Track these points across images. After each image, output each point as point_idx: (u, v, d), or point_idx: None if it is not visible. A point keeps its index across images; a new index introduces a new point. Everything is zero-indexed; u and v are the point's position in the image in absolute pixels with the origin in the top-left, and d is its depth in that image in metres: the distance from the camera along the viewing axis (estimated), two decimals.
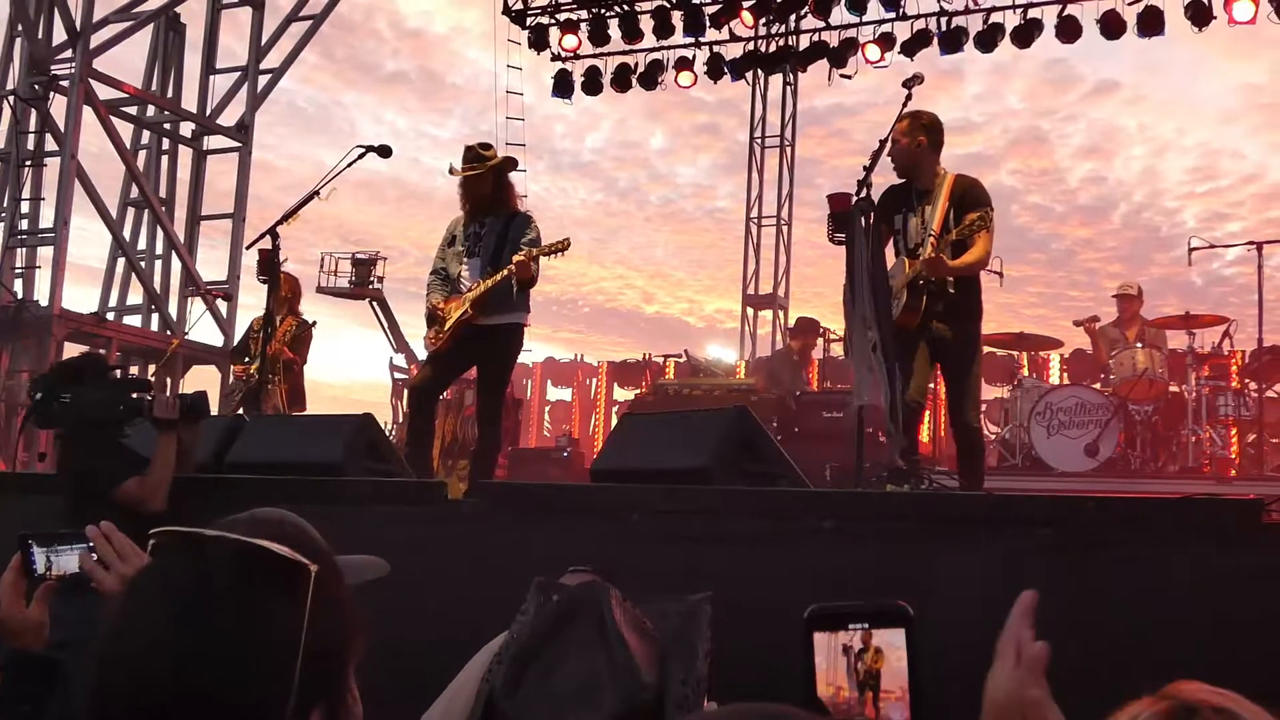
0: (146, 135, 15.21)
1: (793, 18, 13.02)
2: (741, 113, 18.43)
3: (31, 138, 13.83)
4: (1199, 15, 10.26)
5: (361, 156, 6.52)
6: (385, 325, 18.63)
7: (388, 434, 8.62)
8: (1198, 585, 3.10)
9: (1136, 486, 8.33)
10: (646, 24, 12.35)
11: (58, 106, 13.36)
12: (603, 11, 12.55)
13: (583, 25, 12.72)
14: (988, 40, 11.26)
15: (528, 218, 6.33)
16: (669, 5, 12.20)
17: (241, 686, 1.16)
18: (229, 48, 15.81)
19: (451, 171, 6.42)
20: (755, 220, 17.77)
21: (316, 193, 6.52)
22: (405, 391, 12.35)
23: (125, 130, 14.44)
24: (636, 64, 12.73)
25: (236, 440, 5.28)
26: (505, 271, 6.03)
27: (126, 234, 14.88)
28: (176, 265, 14.89)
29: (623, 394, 15.50)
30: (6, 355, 12.94)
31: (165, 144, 15.36)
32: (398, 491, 4.70)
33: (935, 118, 5.94)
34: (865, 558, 3.51)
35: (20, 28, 13.78)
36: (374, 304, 18.72)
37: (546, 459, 12.80)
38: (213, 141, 15.37)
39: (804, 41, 12.82)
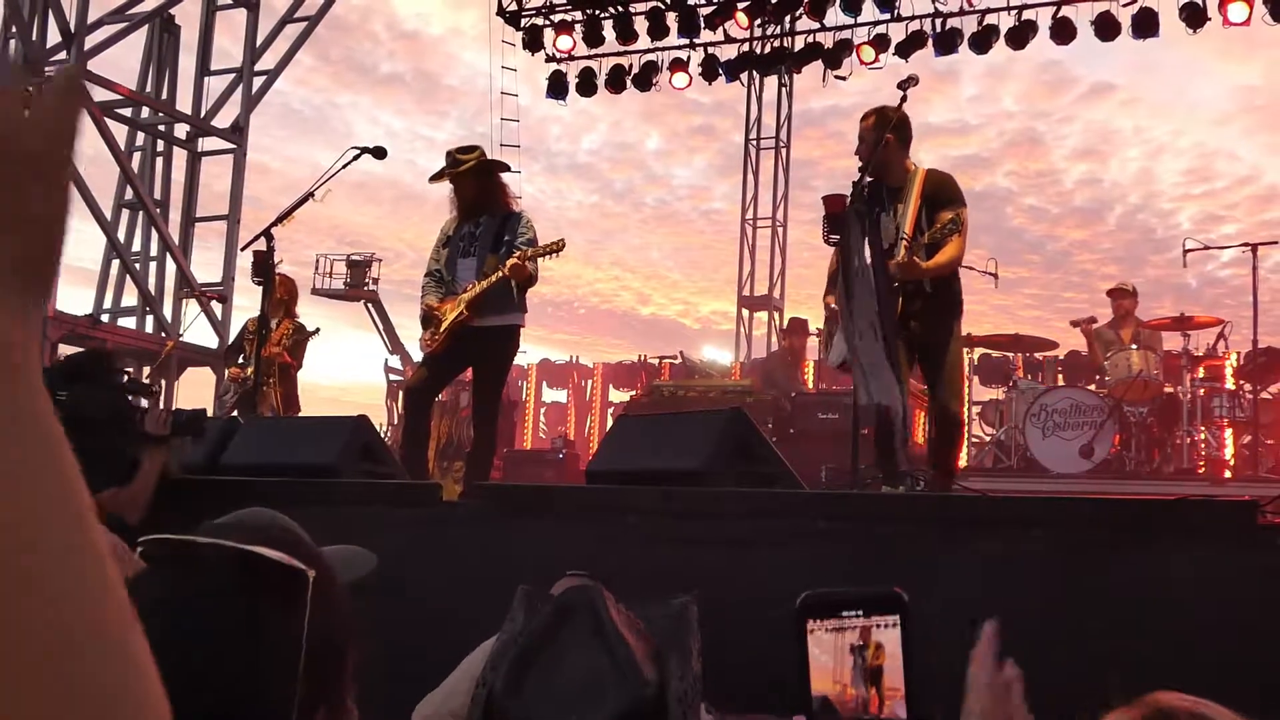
0: (141, 137, 15.18)
1: (787, 19, 13.02)
2: (737, 114, 18.49)
3: None
4: (1193, 17, 10.27)
5: (356, 158, 6.52)
6: (380, 327, 18.63)
7: (383, 436, 8.60)
8: (1193, 587, 3.10)
9: (1131, 488, 8.33)
10: (641, 25, 12.33)
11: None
12: (597, 13, 12.54)
13: (577, 26, 12.71)
14: (982, 42, 11.26)
15: (522, 217, 6.32)
16: (663, 6, 12.20)
17: (244, 696, 1.15)
18: (224, 49, 15.80)
19: (431, 179, 6.44)
20: (750, 222, 17.79)
21: (311, 194, 6.52)
22: (400, 393, 12.35)
23: (120, 132, 14.42)
24: (631, 65, 12.72)
25: (231, 442, 5.27)
26: (501, 273, 6.03)
27: (121, 236, 14.85)
28: (171, 267, 14.86)
29: (618, 395, 15.53)
30: None
31: (160, 146, 15.33)
32: (393, 493, 4.69)
33: (903, 114, 5.76)
34: (861, 559, 3.51)
35: (14, 29, 13.75)
36: (369, 305, 18.73)
37: (542, 461, 12.80)
38: (207, 143, 15.35)
39: (799, 43, 12.83)
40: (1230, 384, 9.58)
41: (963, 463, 10.60)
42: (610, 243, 37.62)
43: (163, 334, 14.29)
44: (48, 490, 0.61)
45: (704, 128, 35.20)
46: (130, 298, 15.00)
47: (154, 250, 15.06)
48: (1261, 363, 9.34)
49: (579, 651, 1.55)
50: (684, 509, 3.84)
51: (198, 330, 14.43)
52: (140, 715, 0.61)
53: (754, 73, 14.60)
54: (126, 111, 14.77)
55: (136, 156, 15.01)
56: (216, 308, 14.44)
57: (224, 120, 15.16)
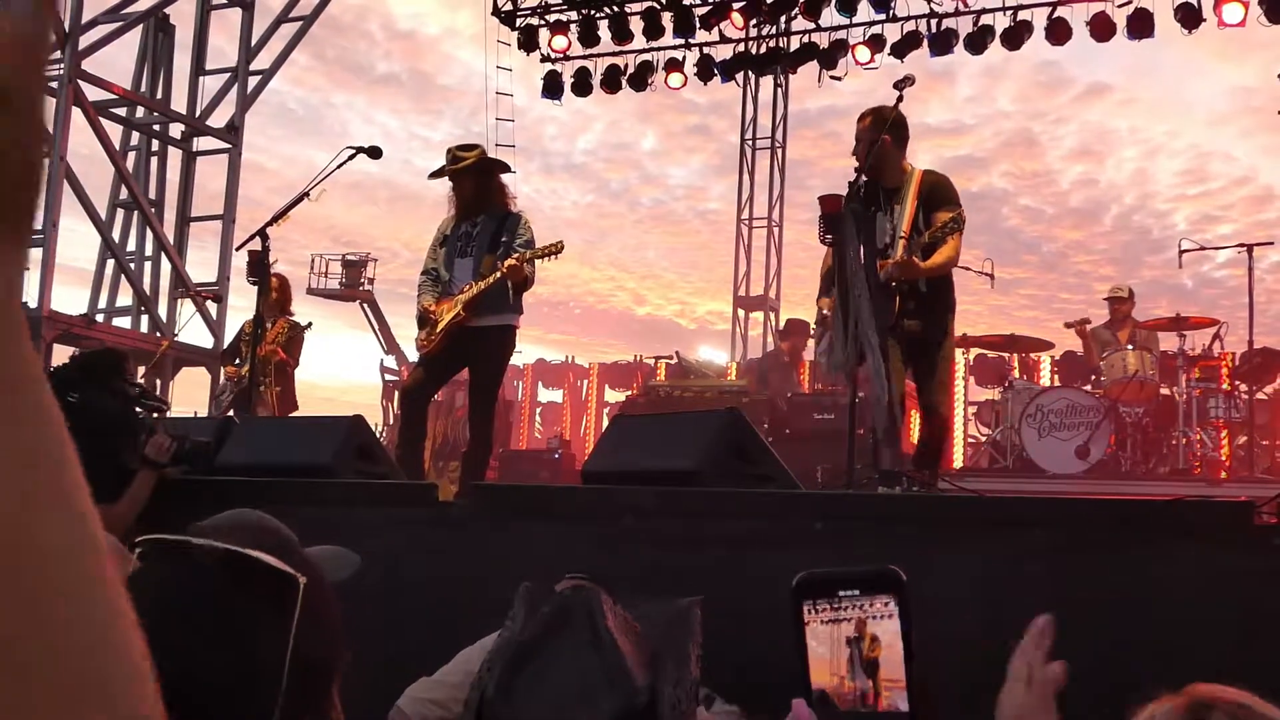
0: (136, 136, 15.15)
1: (783, 19, 13.02)
2: (733, 114, 18.48)
3: None
4: (1189, 17, 10.28)
5: (352, 158, 6.51)
6: (376, 327, 18.62)
7: (378, 436, 8.60)
8: (1190, 587, 3.10)
9: (1127, 488, 8.34)
10: (636, 25, 12.33)
11: (46, 107, 13.31)
12: (592, 13, 12.53)
13: (573, 26, 12.70)
14: (978, 42, 11.27)
15: (520, 218, 6.31)
16: (659, 6, 12.19)
17: (228, 697, 1.15)
18: (219, 49, 15.75)
19: (431, 176, 6.44)
20: (746, 222, 17.79)
21: (307, 194, 6.51)
22: (396, 393, 12.34)
23: (114, 131, 14.38)
24: (626, 65, 12.72)
25: (226, 442, 5.26)
26: (498, 274, 6.02)
27: (116, 235, 14.82)
28: (166, 267, 14.83)
29: (614, 396, 15.51)
30: None
31: (155, 145, 15.29)
32: (389, 493, 4.68)
33: (899, 114, 5.77)
34: (857, 560, 3.50)
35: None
36: (365, 305, 18.71)
37: (537, 461, 12.79)
38: (202, 143, 15.31)
39: (794, 43, 12.82)
40: (1226, 385, 9.59)
41: (958, 463, 10.64)
42: (606, 243, 37.62)
43: (158, 334, 14.25)
44: (43, 471, 0.59)
45: (700, 128, 35.23)
46: (125, 297, 14.97)
47: (149, 250, 15.02)
48: (1257, 363, 9.35)
49: (572, 657, 1.55)
50: (680, 509, 3.83)
51: (193, 330, 14.39)
52: (136, 711, 0.60)
53: (749, 73, 14.60)
54: (121, 111, 14.73)
55: (131, 156, 14.97)
56: (212, 307, 14.41)
57: (219, 120, 15.12)
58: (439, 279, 6.35)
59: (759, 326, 17.88)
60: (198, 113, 15.14)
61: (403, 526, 4.23)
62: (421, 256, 6.58)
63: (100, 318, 14.53)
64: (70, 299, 14.82)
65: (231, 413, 8.18)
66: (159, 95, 15.13)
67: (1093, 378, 9.98)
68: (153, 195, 15.07)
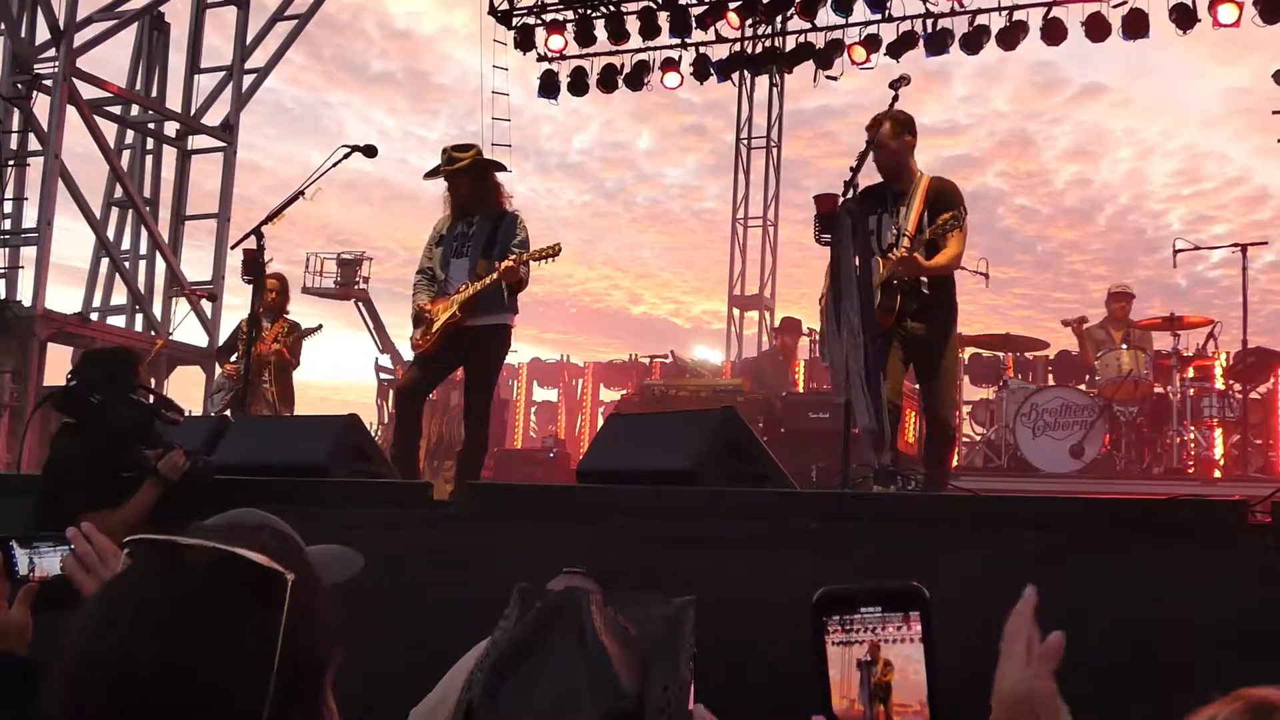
0: (130, 135, 15.15)
1: (779, 19, 13.03)
2: (728, 114, 18.47)
3: (15, 137, 13.76)
4: (1183, 18, 10.30)
5: (347, 156, 6.50)
6: (371, 326, 18.59)
7: (373, 435, 8.59)
8: (1184, 586, 3.10)
9: (1121, 488, 8.35)
10: (632, 25, 12.33)
11: (41, 106, 13.30)
12: (588, 12, 12.53)
13: (568, 26, 12.70)
14: (973, 42, 11.27)
15: (516, 219, 6.30)
16: (655, 6, 12.19)
17: (214, 695, 1.15)
18: (214, 47, 15.76)
19: (426, 176, 6.44)
20: (742, 221, 17.80)
21: (302, 193, 6.50)
22: (391, 392, 12.32)
23: (109, 130, 14.38)
24: (623, 65, 12.71)
25: (221, 441, 5.25)
26: (494, 275, 6.02)
27: (110, 234, 14.82)
28: (161, 265, 14.83)
29: (609, 395, 15.50)
30: None
31: (149, 143, 15.29)
32: (383, 492, 4.68)
33: (911, 116, 5.94)
34: (852, 559, 3.51)
35: (3, 26, 13.69)
36: (360, 305, 18.68)
37: (533, 460, 12.79)
38: (197, 141, 15.31)
39: (790, 43, 12.82)
40: (1220, 384, 9.59)
41: (953, 462, 10.63)
42: (602, 242, 37.58)
43: (152, 332, 14.24)
44: None
45: (695, 127, 35.19)
46: (120, 296, 14.96)
47: (143, 248, 15.02)
48: (1251, 363, 9.36)
49: (559, 660, 1.54)
50: (675, 508, 3.83)
51: (187, 329, 14.42)
52: None
53: (745, 72, 14.61)
54: (116, 109, 14.73)
55: (126, 154, 14.97)
56: (206, 306, 14.41)
57: (214, 118, 15.13)
58: (434, 278, 6.35)
59: (754, 326, 17.89)
60: (193, 111, 15.14)
61: (398, 526, 4.23)
62: (417, 256, 6.57)
63: (95, 316, 14.53)
64: (65, 297, 14.86)
65: (228, 412, 8.17)
66: (154, 94, 15.12)
67: (1087, 377, 9.99)
68: (147, 194, 15.07)
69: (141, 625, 1.17)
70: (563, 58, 12.97)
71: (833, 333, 5.27)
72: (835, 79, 12.24)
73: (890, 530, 3.58)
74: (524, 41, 13.00)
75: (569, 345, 37.94)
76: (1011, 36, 11.16)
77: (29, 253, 13.26)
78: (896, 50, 11.53)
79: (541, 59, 13.08)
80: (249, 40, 15.15)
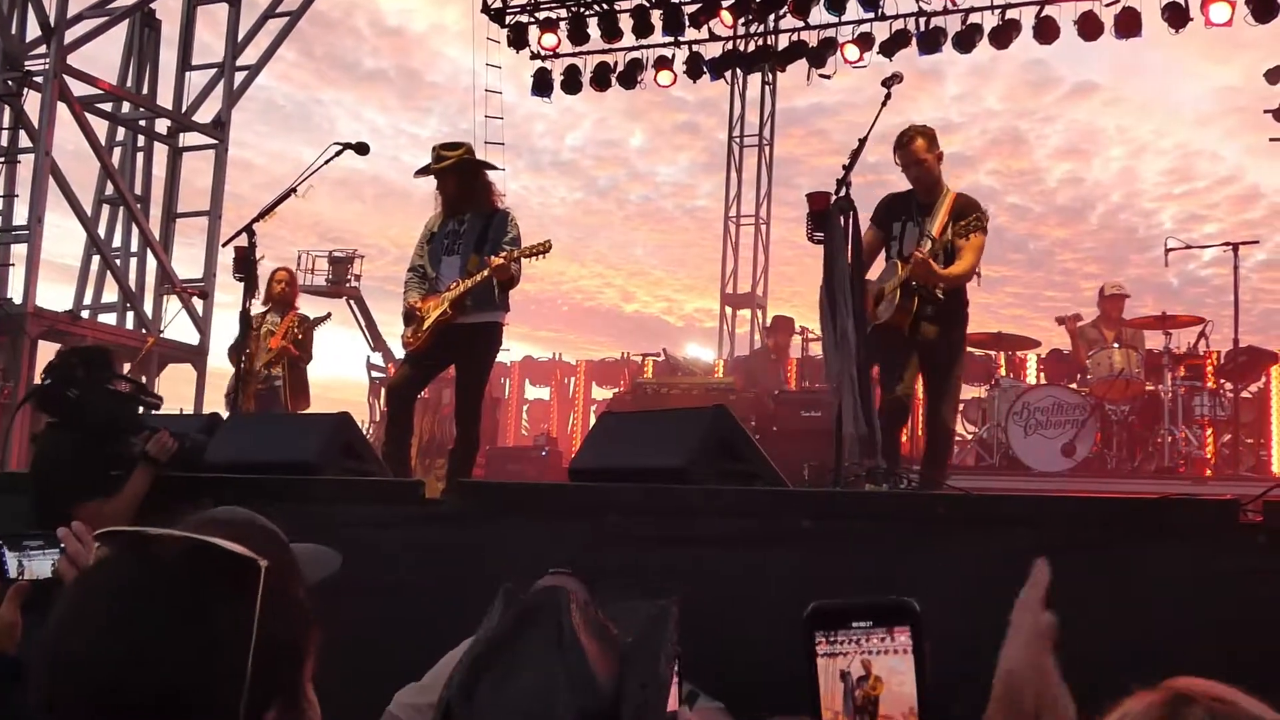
0: (122, 132, 15.09)
1: (772, 17, 13.02)
2: (721, 112, 18.47)
3: (5, 134, 13.71)
4: (1176, 17, 10.31)
5: (339, 154, 6.49)
6: (363, 323, 18.58)
7: (365, 433, 8.57)
8: (1175, 585, 3.11)
9: (1113, 486, 8.37)
10: (626, 23, 12.33)
11: (31, 103, 13.25)
12: (582, 10, 12.53)
13: (562, 24, 12.70)
14: (966, 41, 11.29)
15: (508, 216, 6.29)
16: (648, 4, 12.18)
17: (189, 683, 1.14)
18: (205, 44, 15.70)
19: (416, 175, 6.44)
20: (734, 219, 17.80)
21: (294, 190, 6.49)
22: (382, 390, 12.31)
23: (100, 127, 14.32)
24: (616, 63, 12.72)
25: (212, 439, 5.24)
26: (485, 272, 6.01)
27: (101, 231, 14.76)
28: (152, 263, 14.78)
29: (601, 393, 15.51)
30: None
31: (140, 141, 15.24)
32: (375, 490, 4.67)
33: (933, 129, 6.22)
34: (844, 557, 3.51)
35: None
36: (351, 302, 18.67)
37: (525, 458, 12.78)
38: (189, 138, 15.26)
39: (783, 41, 12.85)
40: (1211, 383, 9.62)
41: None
42: (594, 240, 37.59)
43: (143, 330, 14.21)
44: None
45: (688, 125, 35.19)
46: (111, 293, 14.91)
47: (134, 246, 14.97)
48: (1242, 362, 9.38)
49: (537, 658, 1.54)
50: (667, 507, 3.83)
51: (178, 326, 14.38)
52: None
53: (738, 71, 14.59)
54: (107, 106, 14.68)
55: (117, 152, 14.91)
56: (197, 304, 14.37)
57: (205, 115, 15.08)
58: (425, 276, 6.34)
59: (746, 324, 17.90)
60: (184, 108, 15.09)
61: (389, 524, 4.22)
62: (408, 253, 6.57)
63: (85, 314, 14.47)
64: (55, 295, 14.79)
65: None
66: (145, 91, 15.07)
67: (1079, 376, 10.01)
68: (138, 191, 15.01)
69: (112, 615, 1.18)
70: (556, 56, 12.97)
71: (826, 333, 5.27)
72: (828, 77, 12.26)
73: (882, 529, 3.58)
74: (517, 39, 13.00)
75: (561, 343, 37.97)
76: (1004, 35, 11.18)
77: (19, 250, 13.23)
78: (889, 49, 11.55)
79: (535, 57, 13.08)
80: (240, 37, 15.09)
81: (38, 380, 4.66)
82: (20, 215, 13.40)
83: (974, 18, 11.30)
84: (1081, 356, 9.99)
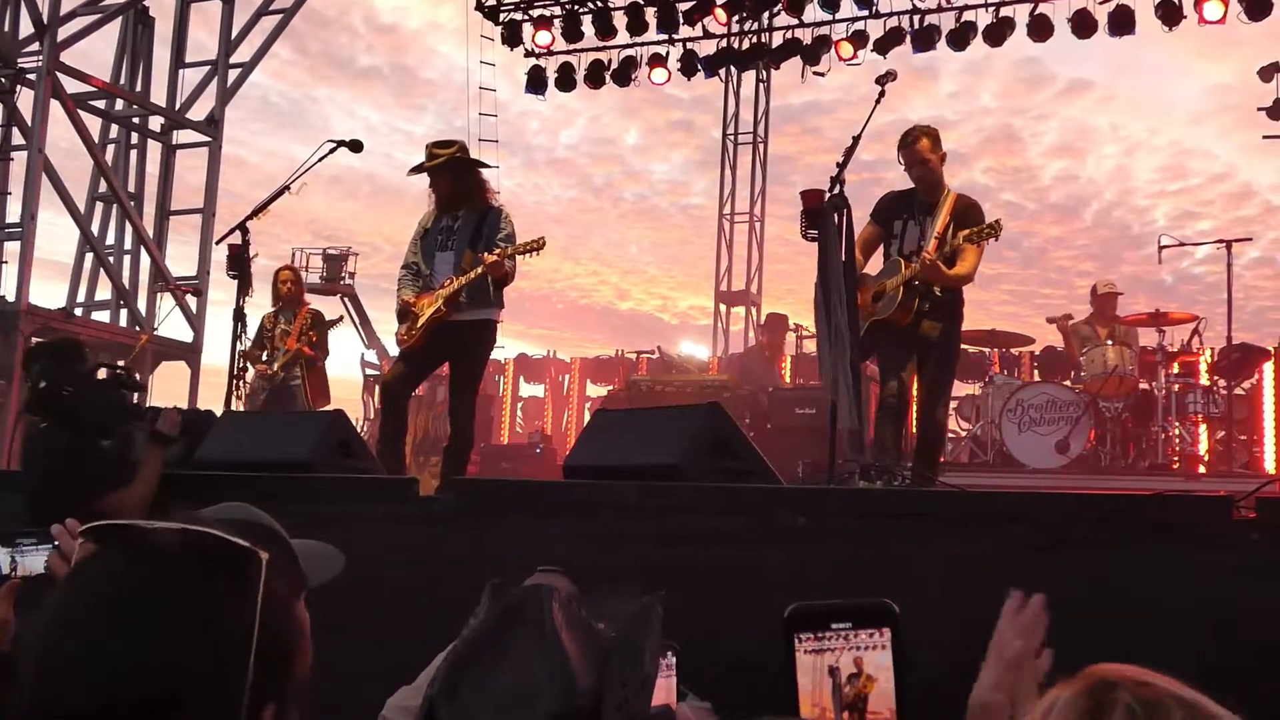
0: (115, 129, 15.06)
1: (766, 15, 13.02)
2: (715, 109, 18.45)
3: None
4: (1169, 15, 10.34)
5: (333, 151, 6.49)
6: (357, 321, 18.55)
7: (359, 430, 8.56)
8: (1169, 582, 3.11)
9: (1107, 483, 8.38)
10: (620, 20, 12.33)
11: (25, 100, 13.22)
12: (576, 8, 12.52)
13: (556, 21, 12.69)
14: (960, 39, 11.31)
15: (501, 213, 6.30)
16: (642, 2, 12.18)
17: (188, 682, 1.13)
18: (199, 41, 15.67)
19: (410, 172, 6.45)
20: (728, 217, 17.79)
21: (287, 187, 6.49)
22: (377, 388, 12.29)
23: (93, 124, 14.29)
24: (610, 60, 12.72)
25: (206, 437, 5.23)
26: (479, 269, 6.01)
27: (95, 229, 14.73)
28: (145, 260, 14.76)
29: (595, 390, 15.47)
30: None
31: (134, 138, 15.21)
32: (369, 488, 4.67)
33: (937, 129, 6.28)
34: (838, 554, 3.51)
35: None
36: (345, 300, 18.63)
37: (519, 455, 12.78)
38: (182, 136, 15.23)
39: (777, 39, 12.83)
40: (1205, 380, 9.63)
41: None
42: (588, 237, 37.48)
43: (137, 328, 14.18)
44: None
45: (682, 123, 35.08)
46: (104, 291, 14.88)
47: (128, 243, 14.94)
48: (1235, 358, 9.39)
49: (518, 656, 1.54)
50: (661, 504, 3.83)
51: (172, 324, 14.35)
52: None
53: (732, 68, 14.60)
54: (100, 104, 14.64)
55: (110, 149, 14.88)
56: (191, 301, 14.35)
57: (199, 113, 15.04)
58: (419, 273, 6.34)
59: (740, 321, 17.89)
60: (177, 106, 15.06)
61: (383, 521, 4.22)
62: (403, 251, 6.56)
63: (79, 311, 14.44)
64: (49, 292, 14.77)
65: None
66: (138, 88, 15.03)
67: (1072, 373, 10.02)
68: (132, 188, 14.98)
69: (107, 614, 1.16)
70: (550, 53, 12.97)
71: (820, 330, 5.28)
72: (822, 75, 12.26)
73: (876, 526, 3.58)
74: (511, 37, 12.99)
75: (555, 340, 37.96)
76: (998, 33, 11.20)
77: (13, 248, 13.19)
78: (884, 46, 11.57)
79: (529, 54, 13.08)
80: (234, 34, 15.06)
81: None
82: (14, 213, 13.38)
83: (968, 15, 11.32)
84: (1074, 354, 10.00)
